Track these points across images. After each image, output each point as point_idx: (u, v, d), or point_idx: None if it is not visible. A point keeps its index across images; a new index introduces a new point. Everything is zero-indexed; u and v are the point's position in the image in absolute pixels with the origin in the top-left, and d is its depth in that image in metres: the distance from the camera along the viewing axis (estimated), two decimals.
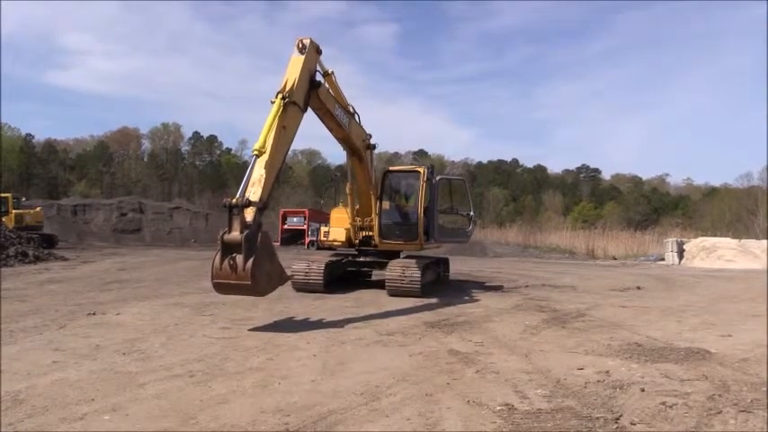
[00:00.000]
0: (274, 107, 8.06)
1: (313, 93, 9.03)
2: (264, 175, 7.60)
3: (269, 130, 7.87)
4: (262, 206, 7.40)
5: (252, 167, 7.65)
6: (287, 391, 4.67)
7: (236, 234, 7.05)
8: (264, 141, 7.74)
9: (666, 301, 11.55)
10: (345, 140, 10.91)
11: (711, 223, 53.40)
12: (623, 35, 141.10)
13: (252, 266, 6.93)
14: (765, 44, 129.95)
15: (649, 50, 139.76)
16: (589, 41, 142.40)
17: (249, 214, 7.22)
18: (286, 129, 8.24)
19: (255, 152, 7.67)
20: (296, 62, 8.72)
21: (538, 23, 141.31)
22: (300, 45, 8.80)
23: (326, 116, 9.86)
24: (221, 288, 7.31)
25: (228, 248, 7.07)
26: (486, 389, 4.82)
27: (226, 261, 7.04)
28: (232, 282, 7.06)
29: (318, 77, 9.27)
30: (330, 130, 10.43)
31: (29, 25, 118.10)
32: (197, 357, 5.82)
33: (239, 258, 6.96)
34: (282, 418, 4.02)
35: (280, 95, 8.17)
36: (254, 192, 7.45)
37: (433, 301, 10.53)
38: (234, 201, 7.16)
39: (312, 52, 9.01)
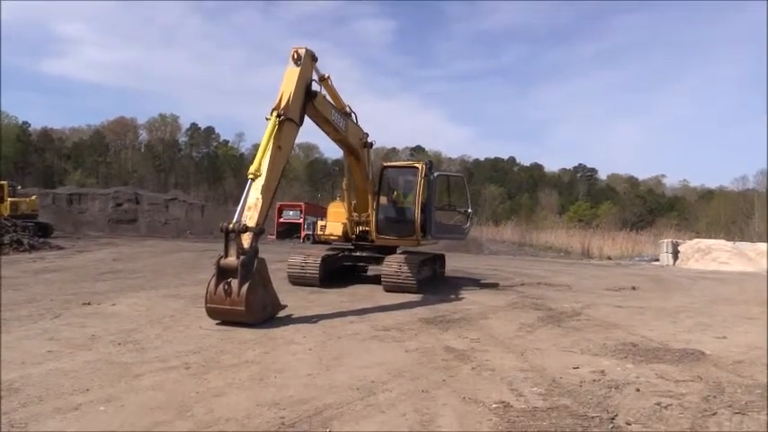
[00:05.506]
0: (270, 125, 7.96)
1: (309, 103, 8.89)
2: (261, 199, 7.59)
3: (264, 150, 7.80)
4: (258, 231, 7.41)
5: (248, 191, 7.61)
6: (283, 385, 4.67)
7: (232, 259, 7.03)
8: (260, 164, 7.70)
9: (661, 301, 11.59)
10: (342, 142, 10.85)
11: (706, 225, 53.71)
12: (620, 36, 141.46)
13: (246, 292, 6.90)
14: (764, 48, 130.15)
15: (647, 52, 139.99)
16: (585, 42, 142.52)
17: (246, 240, 7.20)
18: (282, 148, 8.17)
19: (251, 175, 7.62)
20: (291, 75, 8.52)
21: (533, 24, 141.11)
22: (296, 56, 8.58)
23: (323, 122, 9.75)
24: (214, 313, 7.15)
25: (224, 273, 7.04)
26: (481, 386, 4.82)
27: (221, 286, 6.99)
28: (225, 307, 6.99)
29: (315, 86, 9.10)
30: (327, 134, 10.35)
31: (23, 13, 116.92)
32: (193, 349, 5.81)
33: (234, 283, 6.93)
34: (278, 411, 4.01)
35: (275, 113, 8.05)
36: (250, 216, 7.46)
37: (429, 297, 10.54)
38: (231, 226, 7.14)
39: (308, 62, 8.80)
